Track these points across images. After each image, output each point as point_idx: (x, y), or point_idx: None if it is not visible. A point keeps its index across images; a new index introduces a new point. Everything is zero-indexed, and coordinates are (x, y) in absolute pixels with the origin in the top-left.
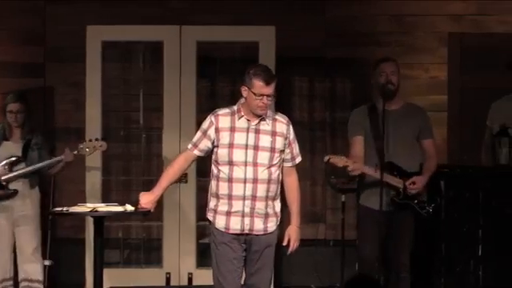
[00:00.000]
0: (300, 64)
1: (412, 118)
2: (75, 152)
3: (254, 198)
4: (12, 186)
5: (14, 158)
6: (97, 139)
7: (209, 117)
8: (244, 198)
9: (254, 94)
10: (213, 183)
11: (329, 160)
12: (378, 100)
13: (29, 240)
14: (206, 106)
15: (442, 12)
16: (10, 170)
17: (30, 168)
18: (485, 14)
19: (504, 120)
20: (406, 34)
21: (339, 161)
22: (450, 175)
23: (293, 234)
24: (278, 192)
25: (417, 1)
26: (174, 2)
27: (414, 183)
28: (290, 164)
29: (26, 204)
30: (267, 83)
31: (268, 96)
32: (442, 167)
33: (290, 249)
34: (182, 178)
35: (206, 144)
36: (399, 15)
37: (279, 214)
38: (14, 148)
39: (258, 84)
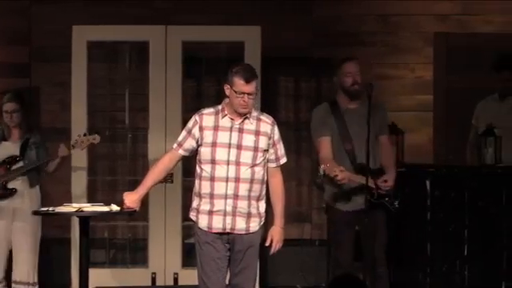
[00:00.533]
0: (286, 64)
1: (373, 115)
2: (71, 146)
3: (235, 196)
4: (11, 185)
5: (10, 157)
6: (85, 134)
7: (194, 116)
8: (226, 197)
9: (235, 92)
10: (196, 183)
11: (324, 173)
12: (340, 98)
13: (24, 239)
14: (192, 106)
15: (428, 12)
16: (8, 170)
17: (22, 166)
18: (470, 13)
19: (489, 120)
20: (391, 33)
21: (330, 171)
22: (435, 175)
23: (275, 235)
24: (263, 192)
25: (402, 1)
26: (160, 2)
27: (385, 181)
28: (274, 165)
29: (25, 202)
30: (247, 81)
31: (249, 94)
32: (427, 167)
33: (272, 249)
34: (168, 178)
35: (190, 143)
36: (385, 15)
37: (263, 214)
38: (12, 148)
39: (239, 82)
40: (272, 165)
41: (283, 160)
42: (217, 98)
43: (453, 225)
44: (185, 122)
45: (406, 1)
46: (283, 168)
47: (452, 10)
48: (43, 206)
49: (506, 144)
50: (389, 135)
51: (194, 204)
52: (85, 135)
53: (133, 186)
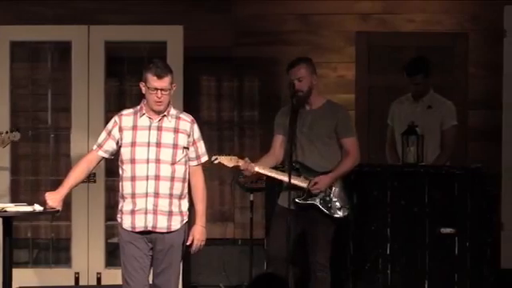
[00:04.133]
0: (208, 63)
1: (329, 116)
2: None
3: (156, 195)
4: None
5: None
6: (6, 132)
7: (113, 117)
8: (147, 195)
9: (149, 88)
10: (119, 184)
11: (215, 160)
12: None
13: None
14: (115, 106)
15: (349, 11)
16: None
17: None
18: (391, 12)
19: (403, 120)
20: (313, 33)
21: (228, 161)
22: (357, 174)
23: (196, 234)
24: (185, 191)
25: (324, 0)
26: (82, 2)
27: (315, 183)
28: (195, 163)
29: None
30: (159, 76)
31: (162, 90)
32: None
33: (194, 248)
34: (91, 178)
35: (110, 145)
36: (306, 14)
37: (186, 212)
38: None
39: (151, 78)
40: (193, 163)
41: (204, 158)
42: (139, 98)
43: (375, 224)
44: (107, 122)
45: (328, 0)
46: (206, 167)
47: (373, 9)
48: None
49: (424, 144)
50: (353, 137)
51: (119, 206)
52: (6, 133)
53: (56, 185)
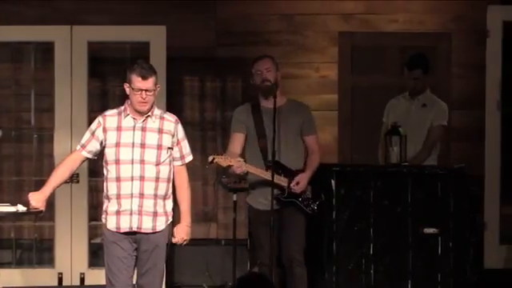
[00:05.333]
0: (191, 64)
1: (294, 115)
2: None
3: (141, 195)
4: None
5: None
6: None
7: (97, 118)
8: (132, 196)
9: (133, 89)
10: (104, 185)
11: (213, 160)
12: (260, 99)
13: None
14: (98, 106)
15: (332, 11)
16: None
17: None
18: (374, 13)
19: (399, 118)
20: (296, 33)
21: (223, 161)
22: (340, 174)
23: (181, 233)
24: (169, 191)
25: (307, 0)
26: (65, 3)
27: (297, 183)
28: (179, 163)
29: None
30: (143, 77)
31: (146, 91)
32: (332, 166)
33: (177, 242)
34: (74, 178)
35: (94, 145)
36: (289, 15)
37: (170, 213)
38: None
39: (135, 79)
40: (177, 163)
41: (188, 158)
42: (122, 98)
43: (358, 224)
44: (90, 122)
45: (311, 0)
46: (189, 167)
47: (356, 9)
48: None
49: (415, 142)
50: (316, 135)
51: (104, 206)
52: None
53: (39, 186)
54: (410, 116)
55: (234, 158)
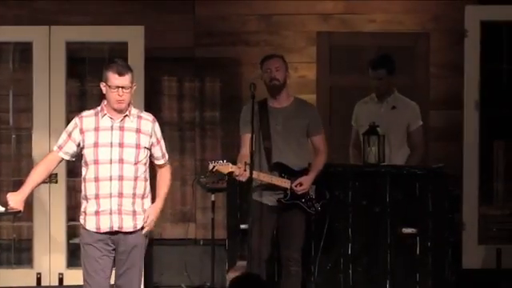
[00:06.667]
0: (169, 64)
1: (301, 115)
2: None
3: (120, 195)
4: None
5: None
6: None
7: (74, 119)
8: (111, 196)
9: (110, 86)
10: (82, 186)
11: (213, 169)
12: (268, 98)
13: None
14: (76, 106)
15: (311, 11)
16: None
17: None
18: (353, 12)
19: (368, 120)
20: (274, 33)
21: (224, 168)
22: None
23: (151, 213)
24: (147, 190)
25: (285, 0)
26: (43, 3)
27: (300, 184)
28: (162, 161)
29: None
30: (120, 74)
31: (123, 88)
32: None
33: (145, 225)
34: (52, 179)
35: (70, 146)
36: (267, 15)
37: None
38: None
39: (112, 76)
40: (160, 162)
41: (167, 156)
42: (100, 98)
43: (337, 224)
44: (69, 122)
45: (289, 1)
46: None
47: (334, 9)
48: None
49: (389, 144)
50: (323, 136)
51: (82, 207)
52: None
53: (18, 186)
54: (380, 119)
55: (235, 165)
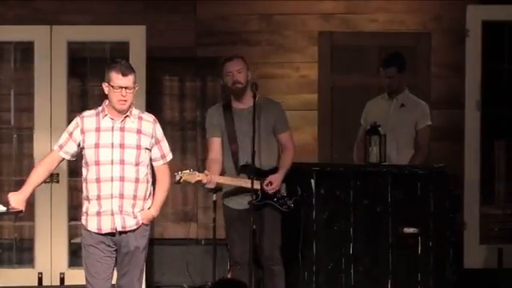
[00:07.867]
0: (171, 63)
1: (265, 114)
2: None
3: (121, 196)
4: None
5: None
6: None
7: (75, 118)
8: (112, 197)
9: (113, 87)
10: (83, 186)
11: (180, 180)
12: (232, 99)
13: None
14: (77, 106)
15: (312, 11)
16: None
17: None
18: (354, 12)
19: (378, 119)
20: (276, 33)
21: (191, 177)
22: (320, 173)
23: (145, 217)
24: (148, 192)
25: (286, 0)
26: (45, 2)
27: (270, 183)
28: (161, 162)
29: None
30: (123, 74)
31: (126, 88)
32: (312, 166)
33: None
34: (54, 178)
35: (71, 146)
36: (269, 14)
37: None
38: None
39: (115, 76)
40: (159, 163)
41: (169, 157)
42: (102, 98)
43: (338, 223)
44: (70, 122)
45: (290, 0)
46: (169, 167)
47: (336, 8)
48: None
49: (396, 142)
50: (289, 131)
51: (84, 208)
52: None
53: (19, 186)
54: (389, 117)
55: (202, 173)
